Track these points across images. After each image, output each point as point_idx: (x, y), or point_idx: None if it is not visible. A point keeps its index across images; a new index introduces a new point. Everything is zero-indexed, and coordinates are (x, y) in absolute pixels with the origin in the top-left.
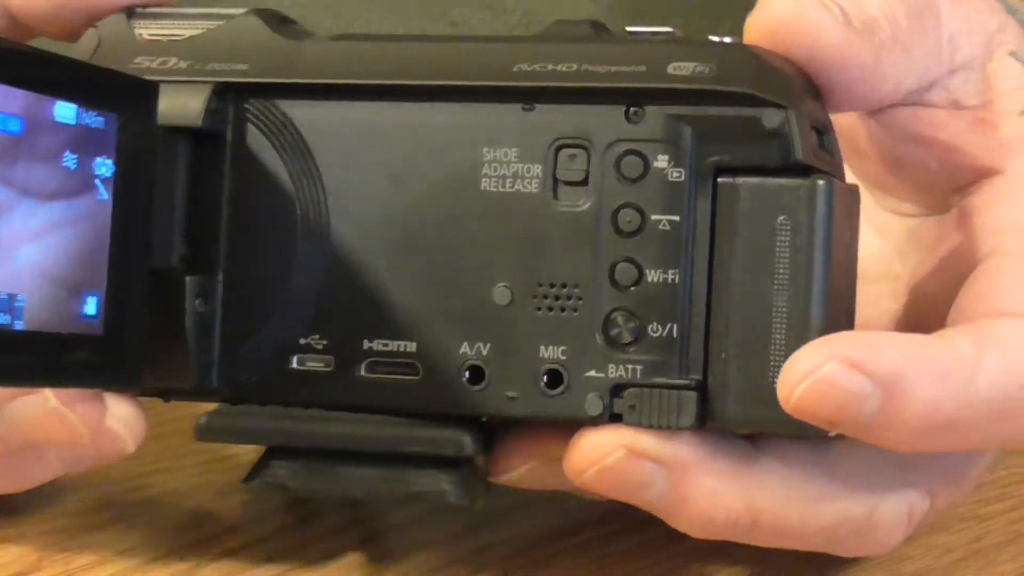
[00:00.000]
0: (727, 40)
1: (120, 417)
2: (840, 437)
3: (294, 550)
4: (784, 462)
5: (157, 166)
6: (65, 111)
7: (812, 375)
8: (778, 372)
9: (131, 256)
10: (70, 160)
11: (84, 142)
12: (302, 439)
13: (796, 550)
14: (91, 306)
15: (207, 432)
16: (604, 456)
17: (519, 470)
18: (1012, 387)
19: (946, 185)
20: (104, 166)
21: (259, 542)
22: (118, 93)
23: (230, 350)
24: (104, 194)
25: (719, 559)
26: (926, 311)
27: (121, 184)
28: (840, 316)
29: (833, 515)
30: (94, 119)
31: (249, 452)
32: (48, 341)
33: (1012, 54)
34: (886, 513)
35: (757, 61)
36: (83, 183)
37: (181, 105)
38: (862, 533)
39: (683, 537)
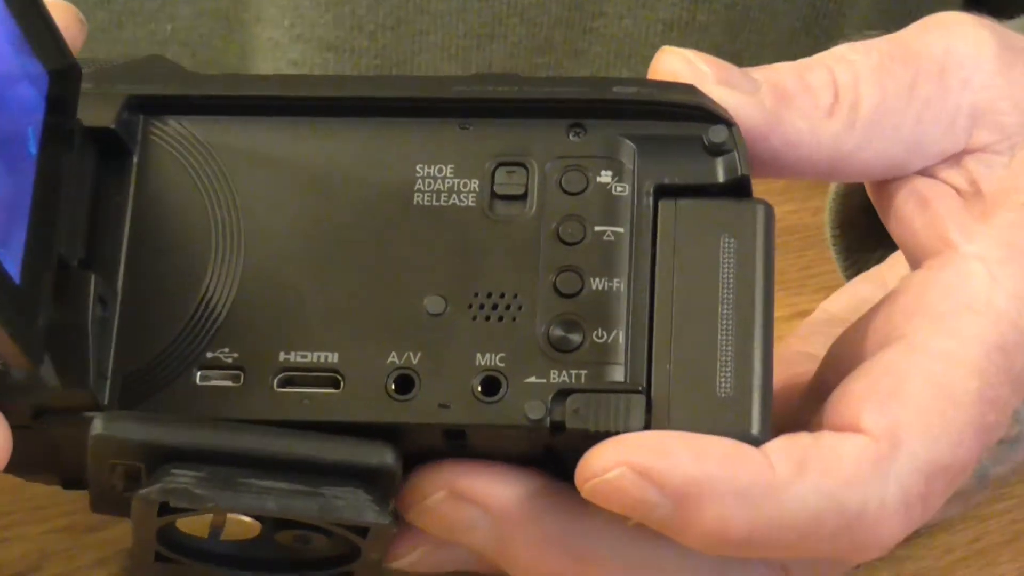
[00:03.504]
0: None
1: None
2: None
3: None
4: (622, 521)
5: (71, 156)
6: (13, 36)
7: (600, 476)
8: (726, 384)
9: (48, 227)
10: (23, 88)
11: (24, 78)
12: (213, 443)
13: None
14: (15, 252)
15: (104, 437)
16: (424, 496)
17: (410, 556)
18: (826, 512)
19: (922, 255)
20: (36, 115)
21: None
22: (51, 49)
23: (126, 363)
24: (33, 147)
25: None
26: (833, 371)
27: (46, 145)
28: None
29: None
30: (32, 62)
31: None
32: None
33: None
34: None
35: (695, 88)
36: (26, 118)
37: (93, 110)
38: None
39: None
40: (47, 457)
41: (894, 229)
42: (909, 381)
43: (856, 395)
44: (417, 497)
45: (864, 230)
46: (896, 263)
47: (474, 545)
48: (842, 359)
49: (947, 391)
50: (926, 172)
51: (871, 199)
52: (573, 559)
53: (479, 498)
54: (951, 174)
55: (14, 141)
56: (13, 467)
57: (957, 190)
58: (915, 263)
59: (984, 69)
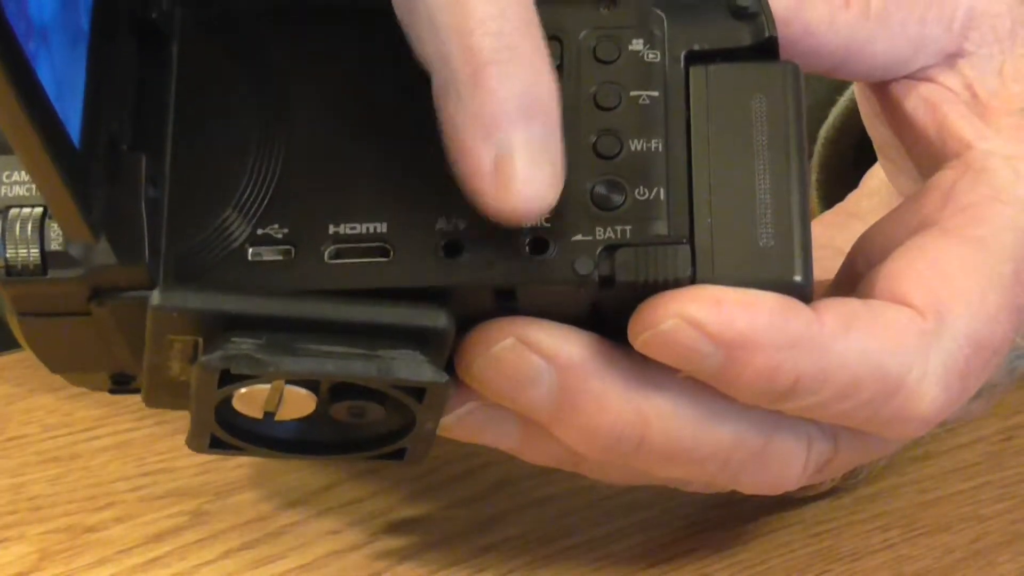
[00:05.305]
0: None
1: None
2: None
3: (295, 550)
4: (679, 377)
5: (116, 42)
6: None
7: (653, 327)
8: (766, 234)
9: (99, 104)
10: None
11: None
12: (271, 310)
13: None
14: (73, 123)
15: (162, 307)
16: (493, 344)
17: (455, 412)
18: (867, 373)
19: (938, 156)
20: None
21: (260, 542)
22: None
23: (178, 242)
24: (85, 23)
25: (719, 560)
26: (864, 260)
27: (95, 28)
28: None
29: (727, 436)
30: None
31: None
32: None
33: None
34: (783, 442)
35: None
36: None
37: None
38: (758, 461)
39: (683, 538)
40: (99, 349)
41: (906, 138)
42: (947, 262)
43: (898, 272)
44: (482, 347)
45: (847, 180)
46: (860, 198)
47: (534, 401)
48: (872, 250)
49: (983, 272)
50: (924, 76)
51: (877, 110)
52: (633, 414)
53: (546, 349)
54: (948, 78)
55: (70, 17)
56: (65, 366)
57: (955, 94)
58: (930, 169)
59: None
